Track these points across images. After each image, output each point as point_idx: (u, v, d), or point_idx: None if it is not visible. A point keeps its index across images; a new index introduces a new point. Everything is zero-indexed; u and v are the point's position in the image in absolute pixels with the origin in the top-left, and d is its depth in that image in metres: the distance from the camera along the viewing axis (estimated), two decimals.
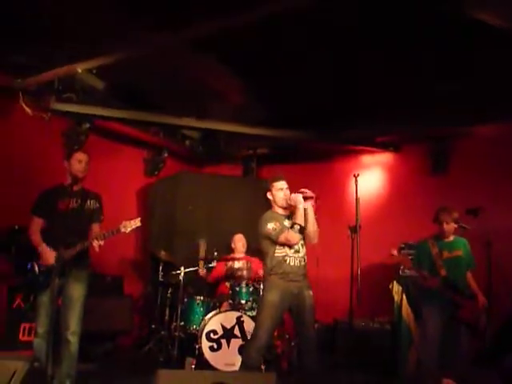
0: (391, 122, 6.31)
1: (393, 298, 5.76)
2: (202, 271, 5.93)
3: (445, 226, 4.30)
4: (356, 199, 3.61)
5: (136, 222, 3.84)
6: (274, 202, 3.99)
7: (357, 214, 3.60)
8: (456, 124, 6.15)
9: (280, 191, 3.96)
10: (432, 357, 4.11)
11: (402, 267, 5.63)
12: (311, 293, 3.87)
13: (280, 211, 3.99)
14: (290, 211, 3.97)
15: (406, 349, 5.50)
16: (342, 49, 4.94)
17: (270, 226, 3.81)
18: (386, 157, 7.01)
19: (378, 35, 4.66)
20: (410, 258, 4.66)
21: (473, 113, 5.86)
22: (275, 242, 3.83)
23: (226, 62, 5.45)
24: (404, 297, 5.69)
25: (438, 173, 6.40)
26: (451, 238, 4.39)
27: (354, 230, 3.56)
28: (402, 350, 5.52)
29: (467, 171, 6.19)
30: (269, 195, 4.02)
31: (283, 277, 3.81)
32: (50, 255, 3.66)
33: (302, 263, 3.91)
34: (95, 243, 3.68)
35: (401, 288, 5.74)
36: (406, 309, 5.65)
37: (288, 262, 3.83)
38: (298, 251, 3.89)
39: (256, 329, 3.85)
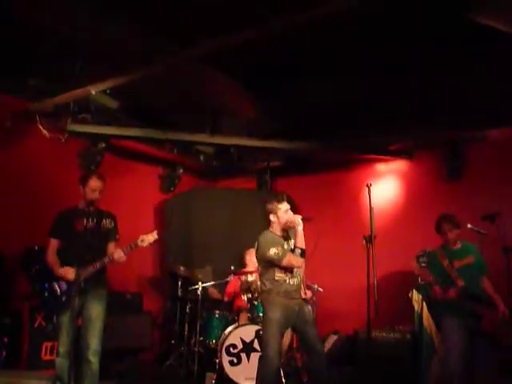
0: (403, 130, 6.30)
1: (413, 307, 5.70)
2: (216, 294, 5.97)
3: (449, 235, 4.18)
4: (370, 209, 3.60)
5: (153, 236, 3.91)
6: (278, 223, 4.00)
7: (371, 224, 3.59)
8: (469, 129, 6.11)
9: (285, 213, 3.99)
10: (457, 371, 3.94)
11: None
12: (310, 307, 3.99)
13: (279, 232, 4.03)
14: (286, 232, 4.03)
15: (428, 359, 5.42)
16: (353, 57, 4.97)
17: (273, 251, 3.83)
18: (399, 164, 6.98)
19: (389, 44, 4.69)
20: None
21: (486, 117, 5.83)
22: (278, 266, 3.86)
23: (237, 77, 5.52)
24: (424, 305, 5.62)
25: (453, 179, 6.33)
26: (459, 245, 4.26)
27: (368, 239, 3.55)
28: (423, 361, 5.44)
29: (483, 176, 6.12)
30: (272, 217, 4.02)
31: (285, 295, 3.88)
32: (69, 271, 3.73)
33: (298, 279, 3.97)
34: (116, 255, 3.73)
35: (421, 296, 5.67)
36: (426, 317, 5.56)
37: (287, 281, 3.90)
38: (295, 271, 3.96)
39: (265, 349, 3.85)
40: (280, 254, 3.81)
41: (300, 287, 3.99)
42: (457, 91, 5.37)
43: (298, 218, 3.89)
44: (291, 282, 3.91)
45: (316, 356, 3.90)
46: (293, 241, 4.00)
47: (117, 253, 3.76)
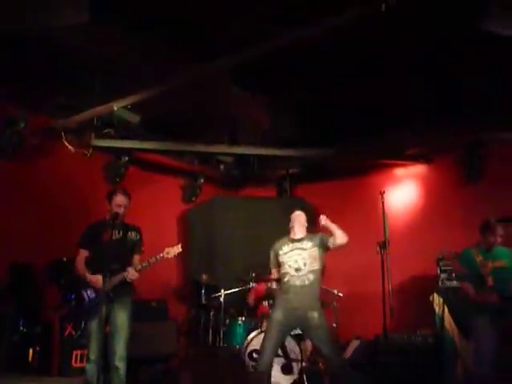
0: (420, 134, 6.35)
1: (433, 311, 5.72)
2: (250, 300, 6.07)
3: (491, 239, 4.24)
4: (383, 215, 3.68)
5: (178, 248, 4.09)
6: (291, 227, 4.33)
7: (385, 230, 3.68)
8: (486, 131, 6.11)
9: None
10: (491, 371, 3.93)
11: (441, 279, 5.61)
12: (316, 314, 4.00)
13: (294, 236, 4.31)
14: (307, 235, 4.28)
15: (451, 362, 5.43)
16: (368, 63, 5.05)
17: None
18: (417, 169, 7.01)
19: (402, 48, 4.77)
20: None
21: (502, 119, 5.84)
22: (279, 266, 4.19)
23: (252, 88, 5.66)
24: (446, 308, 5.63)
25: (472, 182, 6.31)
26: (495, 246, 4.29)
27: (382, 245, 3.63)
28: (446, 364, 5.45)
29: (502, 179, 6.10)
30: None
31: (287, 300, 4.07)
32: (97, 278, 3.90)
33: (306, 282, 4.05)
34: (130, 273, 3.90)
35: (442, 299, 5.69)
36: (448, 320, 5.57)
37: (290, 282, 4.08)
38: (299, 269, 4.08)
39: (262, 345, 4.09)
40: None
41: (307, 289, 4.06)
42: (473, 94, 5.41)
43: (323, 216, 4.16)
44: (294, 283, 4.06)
45: (330, 363, 4.06)
46: (309, 242, 4.20)
47: (130, 273, 3.90)
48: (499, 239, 4.25)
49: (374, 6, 3.64)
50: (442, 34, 4.45)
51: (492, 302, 3.99)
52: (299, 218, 4.31)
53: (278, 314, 4.08)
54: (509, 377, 4.00)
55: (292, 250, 4.19)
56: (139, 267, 3.95)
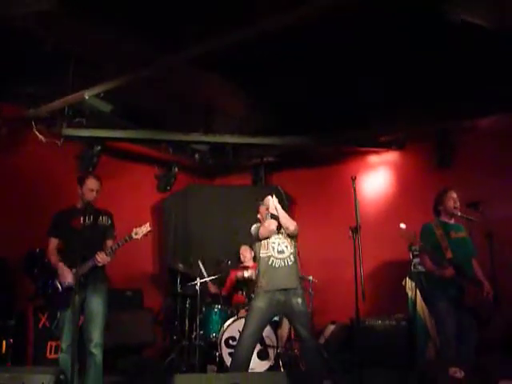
0: (392, 122, 6.43)
1: (407, 295, 5.86)
2: (215, 289, 6.11)
3: (449, 203, 4.30)
4: (355, 200, 3.75)
5: (146, 227, 4.04)
6: (261, 219, 4.37)
7: (356, 215, 3.73)
8: (457, 118, 6.23)
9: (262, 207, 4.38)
10: (451, 353, 4.00)
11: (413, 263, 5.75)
12: (299, 300, 4.09)
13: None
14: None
15: (424, 344, 5.58)
16: (340, 53, 5.07)
17: (253, 227, 4.31)
18: (391, 156, 7.12)
19: (373, 38, 4.80)
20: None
21: (473, 106, 5.95)
22: (259, 240, 4.21)
23: (227, 76, 5.63)
24: (418, 292, 5.76)
25: (443, 168, 6.45)
26: (453, 220, 4.37)
27: (355, 230, 3.69)
28: (419, 346, 5.60)
29: (472, 164, 6.25)
30: (259, 216, 4.43)
31: (270, 283, 4.09)
32: (67, 273, 3.88)
33: (289, 263, 4.17)
34: (99, 256, 3.87)
35: (414, 284, 5.82)
36: (420, 304, 5.72)
37: (273, 263, 4.12)
38: (282, 252, 4.18)
39: (242, 332, 4.13)
40: (258, 226, 4.26)
41: (289, 271, 4.16)
42: (444, 81, 5.48)
43: (269, 197, 4.30)
44: (277, 265, 4.12)
45: (306, 345, 4.09)
46: (283, 233, 4.25)
47: (99, 256, 3.87)
48: (457, 203, 4.31)
49: None
50: (408, 22, 4.49)
51: (449, 276, 4.03)
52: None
53: (260, 303, 4.10)
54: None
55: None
56: (109, 250, 3.93)
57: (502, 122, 6.12)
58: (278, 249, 4.18)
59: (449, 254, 4.11)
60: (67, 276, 3.86)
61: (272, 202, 4.22)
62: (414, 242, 4.22)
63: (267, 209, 4.26)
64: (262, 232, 4.18)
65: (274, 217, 4.16)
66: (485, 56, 4.93)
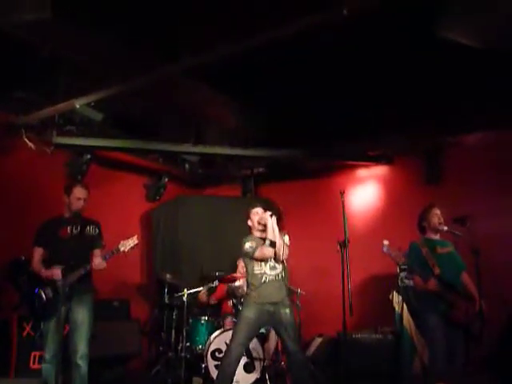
0: (381, 137, 6.49)
1: (393, 309, 5.87)
2: (205, 299, 6.08)
3: (434, 219, 4.35)
4: (343, 214, 3.77)
5: (133, 240, 4.04)
6: (253, 226, 4.36)
7: (345, 229, 3.76)
8: (445, 135, 6.31)
9: (256, 215, 4.35)
10: (442, 368, 4.00)
11: (400, 277, 5.78)
12: (288, 310, 4.14)
13: (258, 234, 4.34)
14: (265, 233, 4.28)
15: (410, 358, 5.59)
16: (331, 67, 5.12)
17: (248, 245, 4.20)
18: (380, 170, 7.16)
19: (362, 54, 4.87)
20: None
21: (461, 124, 6.03)
22: (253, 259, 4.17)
23: (219, 87, 5.66)
24: (405, 307, 5.79)
25: (432, 183, 6.51)
26: (438, 236, 4.42)
27: (342, 244, 3.71)
28: (405, 360, 5.61)
29: (460, 180, 6.30)
30: (249, 222, 4.41)
31: (261, 295, 4.11)
32: (55, 271, 3.83)
33: (280, 278, 4.21)
34: (96, 262, 3.86)
35: (401, 298, 5.85)
36: (407, 318, 5.74)
37: (266, 279, 4.15)
38: (274, 268, 4.20)
39: (230, 342, 4.13)
40: (254, 247, 4.18)
41: (279, 284, 4.19)
42: (433, 97, 5.56)
43: (267, 214, 4.21)
44: (268, 280, 4.15)
45: (293, 357, 4.09)
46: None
47: (96, 260, 3.86)
48: (441, 219, 4.37)
49: (335, 11, 3.69)
50: (397, 38, 4.56)
51: (431, 288, 4.06)
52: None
53: (249, 313, 4.11)
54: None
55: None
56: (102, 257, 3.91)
57: (489, 138, 6.19)
58: (270, 264, 4.20)
59: (437, 270, 4.15)
60: (55, 273, 3.81)
61: (271, 224, 4.16)
62: (399, 261, 4.25)
63: (264, 224, 4.23)
64: (258, 256, 4.15)
65: (272, 244, 4.12)
66: (472, 73, 5.01)
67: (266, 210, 4.35)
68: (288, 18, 3.98)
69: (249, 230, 4.42)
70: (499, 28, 3.83)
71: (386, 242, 4.09)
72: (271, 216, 4.18)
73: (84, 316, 3.90)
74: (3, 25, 4.23)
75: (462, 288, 4.24)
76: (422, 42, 4.40)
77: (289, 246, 4.24)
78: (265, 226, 4.24)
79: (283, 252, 4.16)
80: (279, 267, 4.22)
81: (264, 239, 4.24)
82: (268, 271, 4.18)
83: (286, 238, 4.25)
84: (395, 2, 3.70)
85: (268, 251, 4.12)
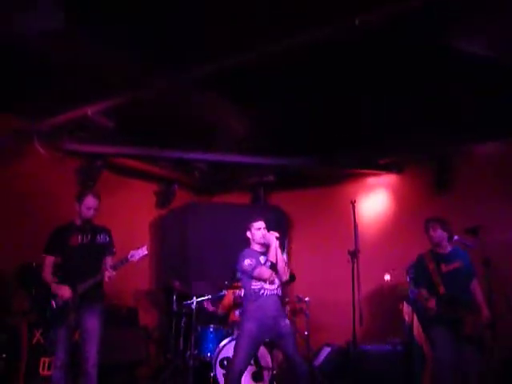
0: (392, 145, 6.47)
1: (403, 319, 5.81)
2: (210, 307, 6.06)
3: (431, 232, 4.30)
4: (354, 224, 3.75)
5: (143, 250, 4.04)
6: (253, 240, 4.34)
7: (355, 239, 3.74)
8: (456, 143, 6.28)
9: (258, 230, 4.31)
10: (447, 380, 3.99)
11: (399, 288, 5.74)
12: (287, 321, 4.17)
13: (257, 248, 4.33)
14: (266, 249, 4.28)
15: (420, 369, 5.52)
16: (341, 74, 5.13)
17: (247, 262, 4.16)
18: (389, 178, 7.14)
19: (374, 63, 4.87)
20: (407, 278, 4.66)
21: (472, 132, 6.00)
22: (251, 277, 4.14)
23: (229, 95, 5.68)
24: (415, 317, 5.73)
25: (442, 192, 6.47)
26: (448, 248, 4.34)
27: (353, 254, 3.69)
28: (415, 371, 5.54)
29: (471, 189, 6.26)
30: (248, 234, 4.39)
31: (260, 309, 4.11)
32: (64, 290, 3.84)
33: (277, 292, 4.23)
34: (106, 274, 3.85)
35: (411, 308, 5.79)
36: (417, 329, 5.68)
37: (264, 294, 4.15)
38: (272, 282, 4.20)
39: (233, 356, 4.10)
40: (253, 264, 4.14)
41: (277, 299, 4.21)
42: (444, 107, 5.54)
43: (273, 236, 4.19)
44: (266, 294, 4.15)
45: (298, 369, 4.06)
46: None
47: (108, 273, 3.87)
48: (438, 231, 4.29)
49: (349, 21, 3.69)
50: (410, 49, 4.56)
51: (430, 307, 4.03)
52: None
53: (250, 326, 4.09)
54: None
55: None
56: (113, 267, 3.91)
57: (500, 148, 6.16)
58: (269, 279, 4.19)
59: (441, 290, 4.12)
60: (64, 293, 3.83)
61: (274, 246, 4.16)
62: (405, 287, 4.30)
63: (267, 246, 4.22)
64: (256, 276, 4.14)
65: (273, 267, 4.12)
66: (485, 83, 4.99)
67: (268, 228, 4.33)
68: (301, 29, 3.99)
69: (247, 242, 4.40)
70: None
71: (387, 277, 4.13)
72: (277, 238, 4.16)
73: (96, 325, 3.91)
74: (17, 33, 4.30)
75: (467, 300, 4.18)
76: (436, 52, 4.39)
77: (286, 263, 4.27)
78: (266, 244, 4.23)
79: (285, 276, 4.23)
80: (276, 282, 4.24)
81: (263, 253, 4.26)
82: (266, 285, 4.18)
83: (284, 256, 4.26)
84: (407, 12, 3.70)
85: (267, 273, 4.12)
